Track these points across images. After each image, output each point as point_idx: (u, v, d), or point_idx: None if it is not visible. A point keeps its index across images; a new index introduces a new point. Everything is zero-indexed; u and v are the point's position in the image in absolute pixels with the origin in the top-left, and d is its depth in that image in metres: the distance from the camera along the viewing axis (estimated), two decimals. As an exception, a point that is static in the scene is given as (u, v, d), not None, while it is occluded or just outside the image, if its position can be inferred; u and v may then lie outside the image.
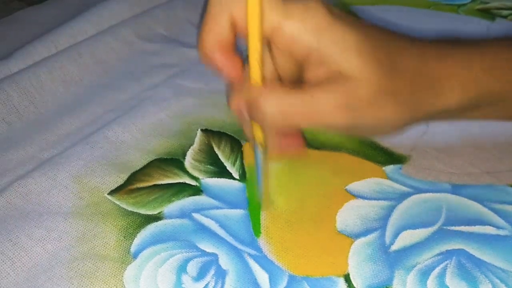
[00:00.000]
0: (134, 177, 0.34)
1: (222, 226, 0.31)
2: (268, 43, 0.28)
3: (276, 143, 0.30)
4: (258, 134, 0.29)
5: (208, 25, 0.27)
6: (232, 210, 0.32)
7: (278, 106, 0.27)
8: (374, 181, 0.33)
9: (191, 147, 0.36)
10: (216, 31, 0.27)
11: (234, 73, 0.28)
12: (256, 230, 0.30)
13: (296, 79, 0.29)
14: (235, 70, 0.28)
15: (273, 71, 0.30)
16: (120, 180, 0.34)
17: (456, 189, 0.32)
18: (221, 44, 0.27)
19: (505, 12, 0.50)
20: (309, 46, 0.26)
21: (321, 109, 0.26)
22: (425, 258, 0.28)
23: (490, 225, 0.30)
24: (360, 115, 0.27)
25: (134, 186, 0.33)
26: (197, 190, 0.33)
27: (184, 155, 0.36)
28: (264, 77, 0.28)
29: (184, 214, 0.31)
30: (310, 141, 0.36)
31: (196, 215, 0.31)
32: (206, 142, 0.36)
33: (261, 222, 0.31)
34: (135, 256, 0.29)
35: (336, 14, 0.27)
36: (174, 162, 0.35)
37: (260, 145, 0.30)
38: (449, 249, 0.29)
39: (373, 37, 0.27)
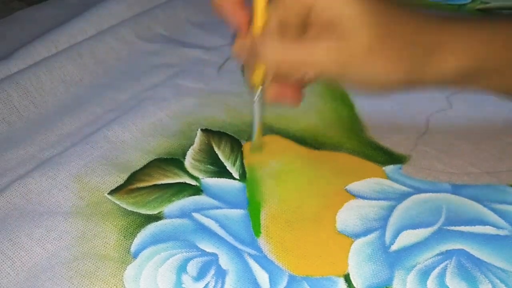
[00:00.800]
0: (134, 177, 0.34)
1: (222, 226, 0.31)
2: None
3: (273, 90, 0.33)
4: (257, 79, 0.32)
5: None
6: (232, 210, 0.32)
7: (275, 55, 0.29)
8: (374, 181, 0.33)
9: (191, 147, 0.36)
10: None
11: (240, 22, 0.31)
12: (256, 230, 0.30)
13: (302, 33, 0.32)
14: (241, 20, 0.31)
15: (279, 24, 0.32)
16: (120, 180, 0.34)
17: (456, 189, 0.32)
18: None
19: (505, 12, 0.50)
20: (311, 4, 0.29)
21: (313, 60, 0.29)
22: (425, 258, 0.28)
23: (490, 225, 0.30)
24: (350, 70, 0.29)
25: (134, 186, 0.33)
26: (197, 190, 0.33)
27: (184, 155, 0.36)
28: (267, 27, 0.31)
29: (184, 214, 0.31)
30: (310, 141, 0.36)
31: (196, 215, 0.31)
32: (206, 142, 0.36)
33: (261, 222, 0.31)
34: (135, 255, 0.29)
35: None
36: (174, 162, 0.35)
37: (258, 90, 0.32)
38: (449, 249, 0.29)
39: (373, 2, 0.29)
